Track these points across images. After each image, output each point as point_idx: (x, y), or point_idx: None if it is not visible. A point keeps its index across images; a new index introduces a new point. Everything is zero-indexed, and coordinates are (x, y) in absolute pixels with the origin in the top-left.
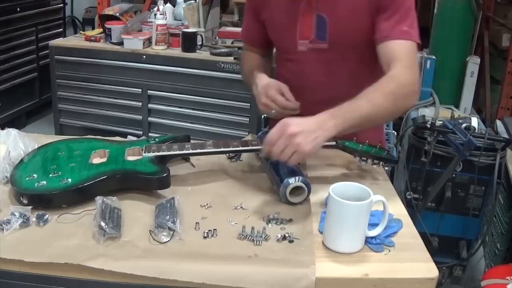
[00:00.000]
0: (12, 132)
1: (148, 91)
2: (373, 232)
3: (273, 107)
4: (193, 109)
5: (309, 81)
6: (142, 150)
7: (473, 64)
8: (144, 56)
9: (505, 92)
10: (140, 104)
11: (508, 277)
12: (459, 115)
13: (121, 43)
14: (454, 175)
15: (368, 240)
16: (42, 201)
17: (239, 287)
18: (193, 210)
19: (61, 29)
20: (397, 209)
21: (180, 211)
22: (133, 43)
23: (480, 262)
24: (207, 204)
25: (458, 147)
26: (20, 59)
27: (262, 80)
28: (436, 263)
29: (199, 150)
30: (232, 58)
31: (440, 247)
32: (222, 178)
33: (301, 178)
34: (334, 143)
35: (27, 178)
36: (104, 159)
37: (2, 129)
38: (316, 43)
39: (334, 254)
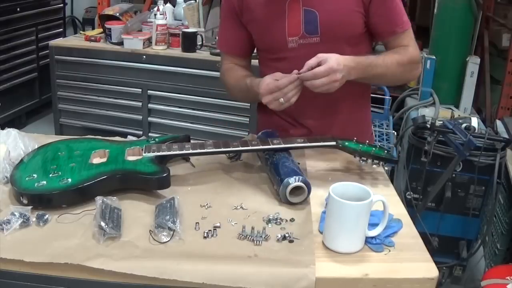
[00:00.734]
0: (12, 132)
1: (148, 91)
2: (373, 232)
3: (280, 97)
4: (193, 109)
5: None
6: (142, 150)
7: (473, 64)
8: (144, 56)
9: (505, 92)
10: (140, 104)
11: (508, 277)
12: (459, 115)
13: (121, 43)
14: (454, 175)
15: (368, 240)
16: (42, 201)
17: (239, 287)
18: (193, 210)
19: (61, 29)
20: (397, 209)
21: (180, 211)
22: (133, 43)
23: (480, 262)
24: (207, 204)
25: (458, 147)
26: (20, 59)
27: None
28: (436, 263)
29: (199, 150)
30: None
31: (440, 247)
32: (222, 178)
33: (301, 178)
34: (334, 143)
35: (27, 178)
36: (104, 159)
37: (2, 129)
38: (306, 38)
39: (334, 254)
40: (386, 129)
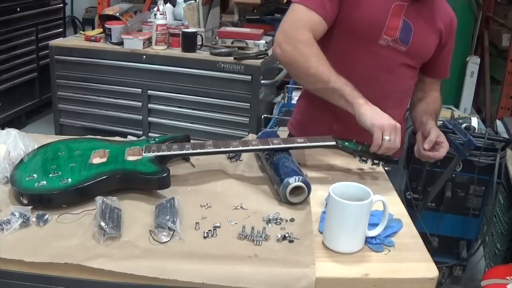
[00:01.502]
0: (12, 132)
1: (148, 91)
2: (373, 232)
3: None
4: (193, 109)
5: (371, 73)
6: (142, 150)
7: (473, 64)
8: (144, 56)
9: (505, 92)
10: (140, 104)
11: (508, 277)
12: (459, 115)
13: (121, 43)
14: (454, 175)
15: (368, 240)
16: (42, 201)
17: (239, 287)
18: (193, 210)
19: (61, 29)
20: (397, 209)
21: (180, 211)
22: (133, 43)
23: (480, 262)
24: (207, 204)
25: (458, 147)
26: (20, 59)
27: (387, 118)
28: (436, 263)
29: (199, 150)
30: (232, 58)
31: (440, 247)
32: (222, 178)
33: (301, 178)
34: (334, 143)
35: (27, 178)
36: (104, 159)
37: (2, 129)
38: (397, 43)
39: (334, 254)
40: None
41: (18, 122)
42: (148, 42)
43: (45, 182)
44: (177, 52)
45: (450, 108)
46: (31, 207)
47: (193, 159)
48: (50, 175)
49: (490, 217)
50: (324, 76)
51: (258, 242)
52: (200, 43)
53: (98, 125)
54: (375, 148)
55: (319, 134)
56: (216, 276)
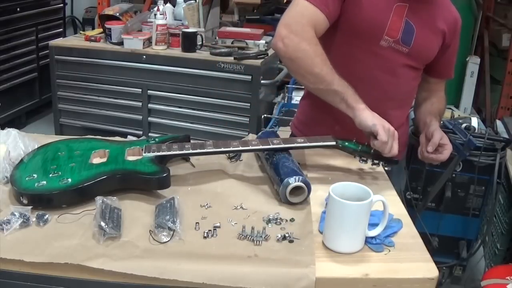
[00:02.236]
0: (12, 132)
1: (148, 91)
2: (373, 232)
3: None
4: (193, 109)
5: (373, 74)
6: (142, 150)
7: (473, 64)
8: (144, 56)
9: (505, 92)
10: (140, 104)
11: (508, 277)
12: (459, 115)
13: (121, 43)
14: (454, 175)
15: (368, 240)
16: (42, 201)
17: (239, 287)
18: (193, 210)
19: (61, 29)
20: (397, 209)
21: (180, 211)
22: (133, 43)
23: (480, 262)
24: (207, 204)
25: (458, 147)
26: (20, 59)
27: (387, 122)
28: (436, 263)
29: (199, 150)
30: (232, 58)
31: (440, 247)
32: (222, 178)
33: (301, 178)
34: (334, 143)
35: (27, 178)
36: (104, 159)
37: (2, 129)
38: (399, 44)
39: (334, 254)
40: None
41: (18, 122)
42: (148, 42)
43: (45, 182)
44: (177, 52)
45: (450, 108)
46: (31, 207)
47: (193, 159)
48: (50, 175)
49: (490, 217)
50: (328, 77)
51: (258, 242)
52: (200, 43)
53: (98, 125)
54: (383, 138)
55: (321, 135)
56: (216, 276)
